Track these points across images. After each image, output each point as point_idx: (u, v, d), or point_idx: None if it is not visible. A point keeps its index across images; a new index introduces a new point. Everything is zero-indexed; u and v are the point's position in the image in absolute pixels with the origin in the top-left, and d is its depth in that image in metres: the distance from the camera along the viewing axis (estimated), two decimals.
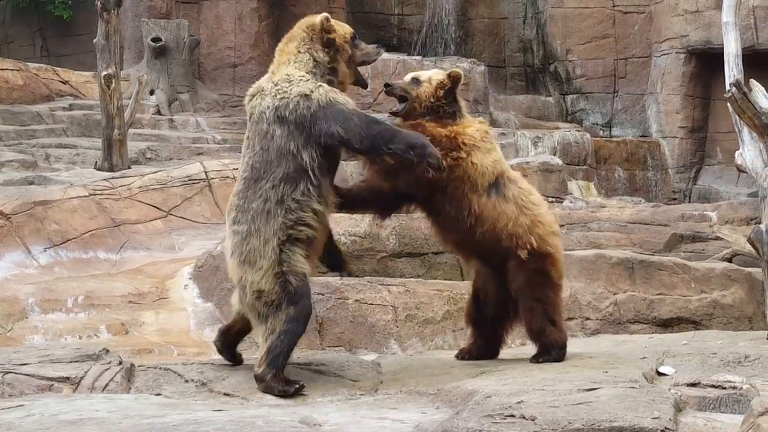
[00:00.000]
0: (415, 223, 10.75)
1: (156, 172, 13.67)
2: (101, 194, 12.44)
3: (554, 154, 19.15)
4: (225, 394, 5.48)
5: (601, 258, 9.65)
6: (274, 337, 5.45)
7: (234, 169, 13.92)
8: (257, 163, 5.50)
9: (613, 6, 22.90)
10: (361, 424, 4.59)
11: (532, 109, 23.15)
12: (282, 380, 5.50)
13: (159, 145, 18.03)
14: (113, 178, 13.33)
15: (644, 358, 5.63)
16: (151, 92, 20.21)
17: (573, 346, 6.58)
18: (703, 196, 21.06)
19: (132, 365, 5.84)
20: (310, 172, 5.45)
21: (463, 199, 5.88)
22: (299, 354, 6.57)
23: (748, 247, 9.52)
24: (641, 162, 21.56)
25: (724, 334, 7.89)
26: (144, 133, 18.51)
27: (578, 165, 20.19)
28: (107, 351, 6.00)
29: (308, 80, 5.54)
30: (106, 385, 5.55)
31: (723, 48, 7.50)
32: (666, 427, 3.86)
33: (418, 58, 22.13)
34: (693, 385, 4.63)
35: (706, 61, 20.81)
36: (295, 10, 22.13)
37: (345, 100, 5.54)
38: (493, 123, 21.61)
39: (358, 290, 8.88)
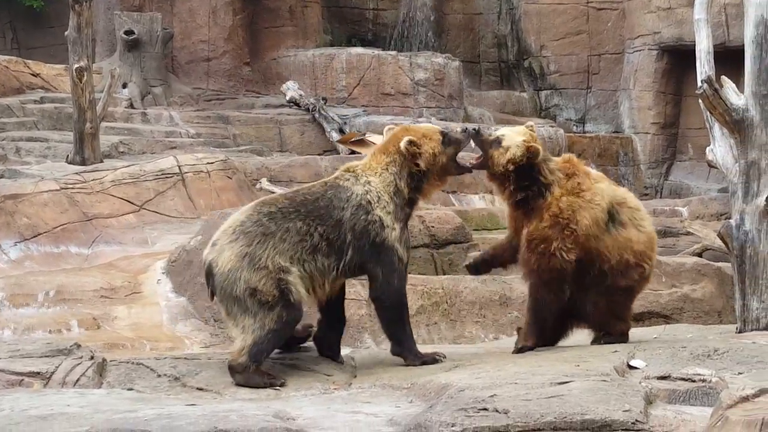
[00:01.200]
0: None
1: (129, 166, 13.59)
2: (73, 188, 12.36)
3: None
4: (198, 388, 5.46)
5: None
6: (262, 332, 5.52)
7: (208, 163, 13.90)
8: (323, 206, 5.75)
9: (587, 2, 22.98)
10: (335, 418, 4.59)
11: (506, 105, 23.21)
12: (265, 374, 5.56)
13: (132, 138, 17.92)
14: (85, 171, 13.25)
15: (616, 351, 5.66)
16: (124, 85, 20.08)
17: None
18: (675, 191, 21.20)
19: (104, 360, 5.81)
20: (340, 263, 5.72)
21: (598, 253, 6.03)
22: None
23: (719, 242, 9.59)
24: (614, 157, 21.67)
25: (694, 328, 7.94)
26: (116, 127, 18.38)
27: None
28: (79, 346, 5.96)
29: (390, 213, 5.79)
30: (78, 380, 5.52)
31: (695, 45, 7.53)
32: (636, 420, 3.88)
33: (393, 53, 22.12)
34: (663, 378, 4.66)
35: (678, 58, 20.92)
36: (270, 3, 22.06)
37: (403, 252, 5.81)
38: (468, 118, 21.65)
39: None
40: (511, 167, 5.98)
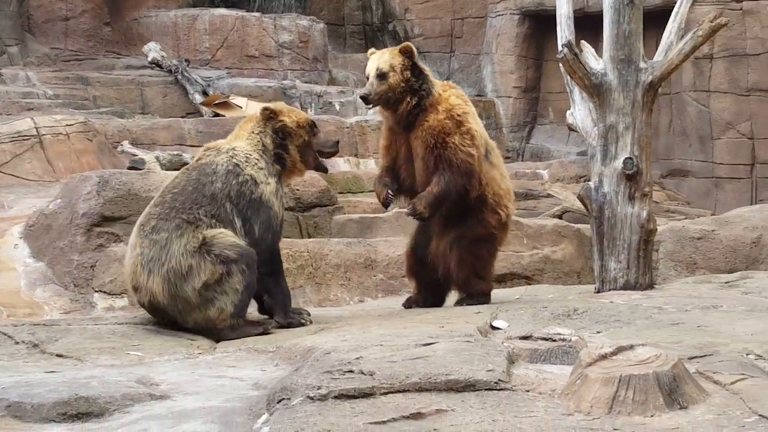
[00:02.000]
0: None
1: None
2: None
3: None
4: (58, 355, 5.31)
5: None
6: (237, 296, 5.74)
7: (67, 125, 13.49)
8: (192, 189, 5.87)
9: None
10: (199, 383, 4.54)
11: None
12: (254, 322, 5.91)
13: None
14: None
15: (479, 312, 5.76)
16: None
17: None
18: (536, 154, 21.69)
19: None
20: (238, 232, 5.85)
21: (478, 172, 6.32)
22: (136, 314, 6.45)
23: (578, 205, 9.87)
24: None
25: (554, 289, 8.17)
26: None
27: None
28: None
29: (262, 168, 6.02)
30: None
31: (555, 10, 7.67)
32: (499, 379, 3.96)
33: (257, 14, 21.84)
34: (525, 338, 4.76)
35: (539, 23, 21.33)
36: None
37: (279, 207, 6.02)
38: (333, 81, 21.60)
39: None
40: (408, 74, 6.37)
